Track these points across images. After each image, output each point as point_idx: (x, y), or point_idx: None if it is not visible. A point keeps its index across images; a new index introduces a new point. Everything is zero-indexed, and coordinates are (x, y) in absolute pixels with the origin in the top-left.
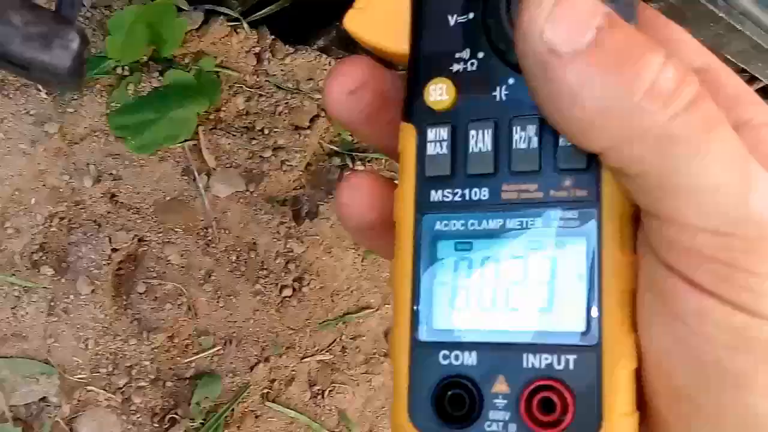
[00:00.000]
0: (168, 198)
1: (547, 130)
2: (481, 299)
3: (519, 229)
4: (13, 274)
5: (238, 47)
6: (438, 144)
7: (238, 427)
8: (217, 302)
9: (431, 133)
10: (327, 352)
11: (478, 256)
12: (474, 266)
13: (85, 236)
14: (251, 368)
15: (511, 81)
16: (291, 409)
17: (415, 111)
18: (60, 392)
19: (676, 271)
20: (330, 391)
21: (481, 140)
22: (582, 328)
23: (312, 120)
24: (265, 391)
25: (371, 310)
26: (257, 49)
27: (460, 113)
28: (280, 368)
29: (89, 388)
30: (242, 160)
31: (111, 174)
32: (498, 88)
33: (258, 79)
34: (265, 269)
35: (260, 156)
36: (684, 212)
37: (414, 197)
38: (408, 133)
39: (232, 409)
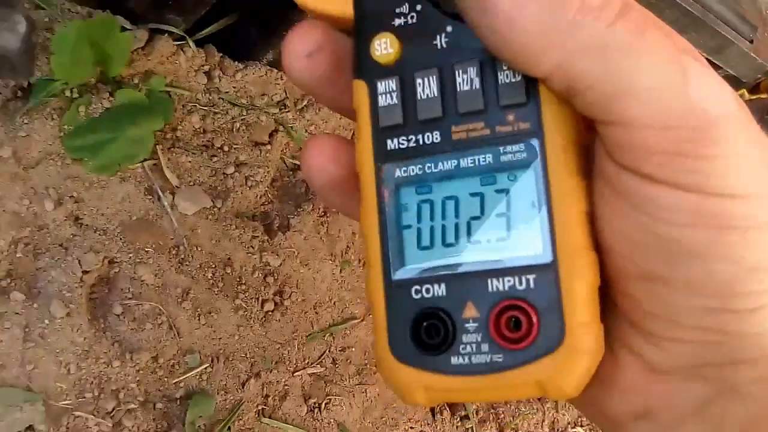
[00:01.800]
0: (134, 218)
1: (488, 71)
2: (445, 237)
3: (472, 167)
4: None
5: (186, 66)
6: (388, 95)
7: None
8: (198, 320)
9: (381, 86)
10: (318, 364)
11: (438, 198)
12: (435, 207)
13: (53, 260)
14: (242, 385)
15: (449, 29)
16: (289, 425)
17: (364, 67)
18: (46, 419)
19: (629, 169)
20: (326, 403)
21: (427, 87)
22: (539, 249)
23: (271, 135)
24: (260, 407)
25: (357, 321)
26: (206, 67)
27: (406, 64)
28: (272, 383)
29: (77, 413)
30: (205, 178)
31: (72, 197)
32: (438, 37)
33: (211, 97)
34: (244, 284)
35: (223, 173)
36: (630, 113)
37: (372, 148)
38: (360, 89)
39: (229, 428)
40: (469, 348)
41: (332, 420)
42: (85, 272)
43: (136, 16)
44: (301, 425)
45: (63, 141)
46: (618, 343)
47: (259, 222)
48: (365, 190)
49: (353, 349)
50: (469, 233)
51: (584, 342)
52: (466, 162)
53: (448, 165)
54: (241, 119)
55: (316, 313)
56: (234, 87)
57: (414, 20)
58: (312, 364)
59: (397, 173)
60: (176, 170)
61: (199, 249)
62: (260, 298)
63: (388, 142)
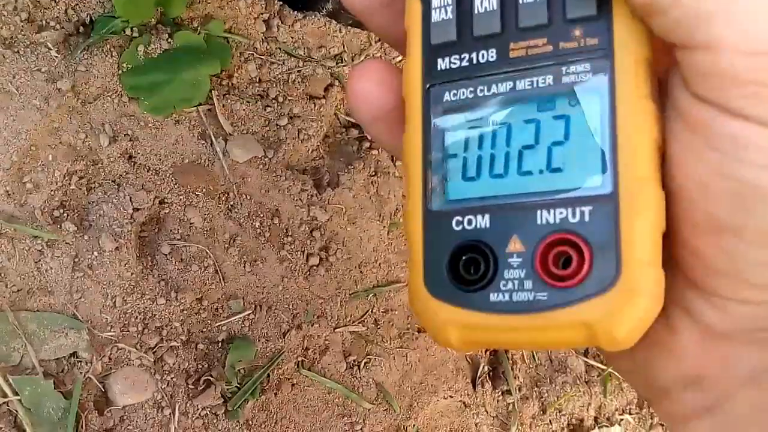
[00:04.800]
0: (186, 161)
1: None
2: (493, 167)
3: (529, 90)
4: (35, 228)
5: (246, 12)
6: (443, 10)
7: (275, 394)
8: (244, 267)
9: (435, 0)
10: (360, 323)
11: (488, 124)
12: (485, 135)
13: (105, 195)
14: (284, 335)
15: None
16: (327, 379)
17: None
18: (90, 348)
19: (710, 101)
20: (366, 362)
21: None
22: (597, 180)
23: (326, 89)
24: (300, 359)
25: (401, 285)
26: (266, 15)
27: None
28: (312, 337)
29: (120, 345)
30: (258, 128)
31: (127, 134)
32: None
33: (268, 46)
34: (290, 236)
35: (276, 124)
36: (722, 36)
37: (421, 68)
38: (413, 5)
39: (268, 375)
40: (510, 285)
41: (371, 379)
42: (135, 209)
43: None
44: (339, 381)
45: (120, 79)
46: (673, 303)
47: (309, 176)
48: (410, 114)
49: (396, 312)
50: (519, 163)
51: (642, 283)
52: (522, 84)
53: (503, 87)
54: (297, 71)
55: (361, 272)
56: (292, 37)
57: None
58: (354, 322)
59: (446, 96)
60: (230, 117)
61: (248, 197)
62: (305, 252)
63: (439, 61)
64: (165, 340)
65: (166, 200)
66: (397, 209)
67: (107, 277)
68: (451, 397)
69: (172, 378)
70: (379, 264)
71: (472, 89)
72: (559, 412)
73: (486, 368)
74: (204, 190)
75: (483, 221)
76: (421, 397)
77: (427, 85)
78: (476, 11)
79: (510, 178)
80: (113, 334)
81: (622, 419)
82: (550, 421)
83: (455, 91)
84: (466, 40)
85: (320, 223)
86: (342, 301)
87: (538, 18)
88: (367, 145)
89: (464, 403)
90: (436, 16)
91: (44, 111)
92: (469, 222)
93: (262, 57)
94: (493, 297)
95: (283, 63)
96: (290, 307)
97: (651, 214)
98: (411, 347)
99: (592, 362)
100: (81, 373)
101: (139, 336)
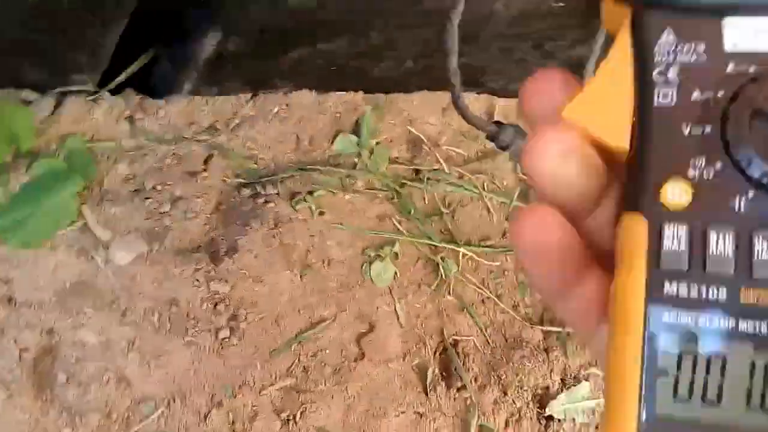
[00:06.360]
0: (68, 284)
1: None
2: (707, 395)
3: (750, 334)
4: None
5: (104, 118)
6: (675, 240)
7: None
8: (148, 366)
9: (668, 230)
10: (287, 377)
11: (704, 353)
12: (699, 362)
13: None
14: (205, 418)
15: (751, 194)
16: None
17: (646, 204)
18: None
19: None
20: (301, 413)
21: (720, 244)
22: None
23: (206, 161)
24: None
25: (327, 322)
26: (127, 112)
27: (698, 216)
28: (237, 408)
29: None
30: (140, 222)
31: (1, 279)
32: (737, 199)
33: (137, 141)
34: (193, 319)
35: (159, 212)
36: None
37: (645, 288)
38: (637, 224)
39: None
40: None
41: (310, 427)
42: (23, 350)
43: (40, 85)
44: None
45: None
46: None
47: (203, 252)
48: (628, 332)
49: (327, 351)
50: (733, 397)
51: None
52: (745, 325)
53: (724, 323)
54: (172, 154)
55: (279, 326)
56: (159, 124)
57: (711, 176)
58: (280, 378)
59: (665, 317)
60: (108, 224)
61: (141, 295)
62: (212, 329)
63: (666, 284)
64: None
65: (54, 329)
66: (307, 251)
67: (3, 429)
68: (403, 413)
69: None
70: (298, 311)
71: (692, 317)
72: (521, 388)
73: (436, 371)
74: (92, 306)
75: None
76: (370, 424)
77: (651, 306)
78: (711, 252)
79: (723, 409)
80: None
81: (589, 373)
82: (513, 400)
83: (676, 315)
84: (696, 273)
85: (223, 295)
86: (263, 362)
87: None
88: (262, 200)
89: (419, 413)
90: (668, 245)
91: None
92: None
93: (131, 153)
94: None
95: (155, 152)
96: (206, 388)
97: None
98: (350, 380)
99: (549, 328)
100: None
101: None
